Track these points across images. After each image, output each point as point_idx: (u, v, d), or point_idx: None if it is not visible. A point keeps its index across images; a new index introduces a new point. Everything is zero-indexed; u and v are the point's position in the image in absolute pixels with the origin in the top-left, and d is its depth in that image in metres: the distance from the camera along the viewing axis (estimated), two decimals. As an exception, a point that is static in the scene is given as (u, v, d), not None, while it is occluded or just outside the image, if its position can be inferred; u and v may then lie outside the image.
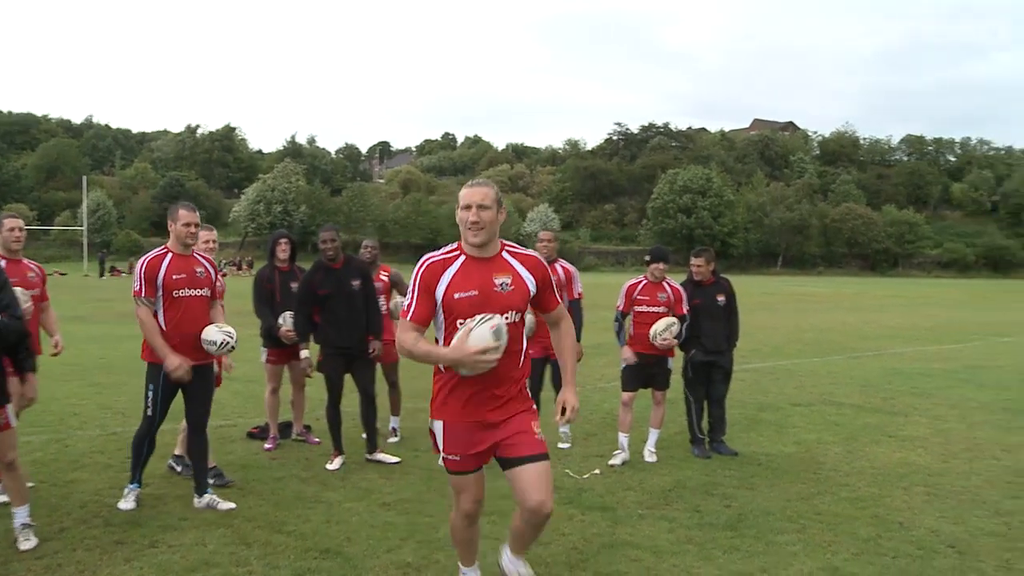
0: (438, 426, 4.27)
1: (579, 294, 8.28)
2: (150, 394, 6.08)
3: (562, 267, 8.16)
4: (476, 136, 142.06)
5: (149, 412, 6.09)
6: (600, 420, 9.54)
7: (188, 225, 6.10)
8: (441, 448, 4.28)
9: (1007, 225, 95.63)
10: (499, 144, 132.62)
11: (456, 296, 4.08)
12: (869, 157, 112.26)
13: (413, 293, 4.15)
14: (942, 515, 6.29)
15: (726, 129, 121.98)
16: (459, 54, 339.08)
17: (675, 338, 7.79)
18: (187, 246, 6.16)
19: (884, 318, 26.92)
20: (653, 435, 8.01)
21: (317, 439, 8.39)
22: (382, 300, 8.22)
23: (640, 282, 8.00)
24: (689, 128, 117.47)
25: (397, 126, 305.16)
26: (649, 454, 7.90)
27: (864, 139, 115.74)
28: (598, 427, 9.19)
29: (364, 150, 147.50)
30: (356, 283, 7.57)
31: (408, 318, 4.14)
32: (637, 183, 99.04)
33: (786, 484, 7.09)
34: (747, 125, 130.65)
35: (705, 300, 8.26)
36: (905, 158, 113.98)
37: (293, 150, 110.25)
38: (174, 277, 6.02)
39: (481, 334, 3.94)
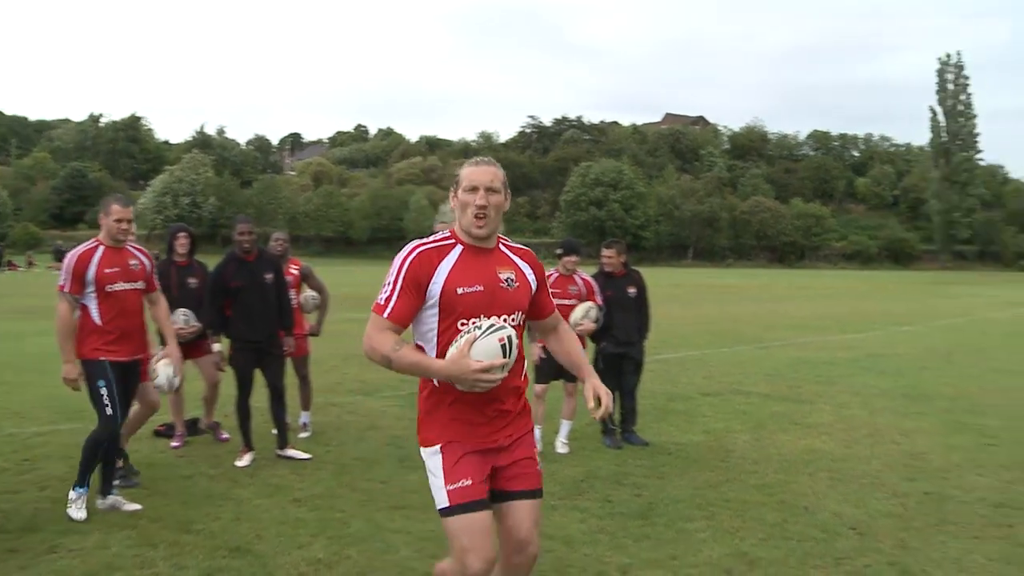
0: (433, 454, 3.48)
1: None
2: (103, 392, 5.78)
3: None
4: (389, 128, 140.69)
5: (109, 411, 5.78)
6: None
7: (120, 221, 5.92)
8: (444, 479, 3.40)
9: (907, 218, 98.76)
10: (412, 136, 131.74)
11: (460, 291, 3.38)
12: (777, 152, 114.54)
13: (394, 286, 3.40)
14: (844, 499, 6.48)
15: (638, 123, 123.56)
16: (371, 45, 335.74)
17: (594, 322, 7.83)
18: (119, 241, 6.00)
19: (791, 308, 27.56)
20: (565, 427, 8.06)
21: (226, 435, 8.24)
22: (292, 294, 8.12)
23: (551, 275, 8.00)
24: (602, 122, 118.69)
25: (309, 117, 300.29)
26: (561, 445, 7.95)
27: (772, 134, 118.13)
28: (511, 419, 9.19)
29: (275, 141, 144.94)
30: (269, 276, 7.46)
31: (385, 315, 3.38)
32: (550, 176, 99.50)
33: (695, 472, 7.21)
34: (659, 119, 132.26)
35: (616, 292, 8.34)
36: (812, 153, 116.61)
37: (201, 141, 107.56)
38: (106, 271, 5.84)
39: (488, 347, 3.24)
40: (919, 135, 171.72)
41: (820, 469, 7.35)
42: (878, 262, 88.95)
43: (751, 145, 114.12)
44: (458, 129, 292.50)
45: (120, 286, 5.91)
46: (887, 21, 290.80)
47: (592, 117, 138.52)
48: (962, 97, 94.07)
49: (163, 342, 6.68)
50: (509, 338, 3.28)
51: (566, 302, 7.89)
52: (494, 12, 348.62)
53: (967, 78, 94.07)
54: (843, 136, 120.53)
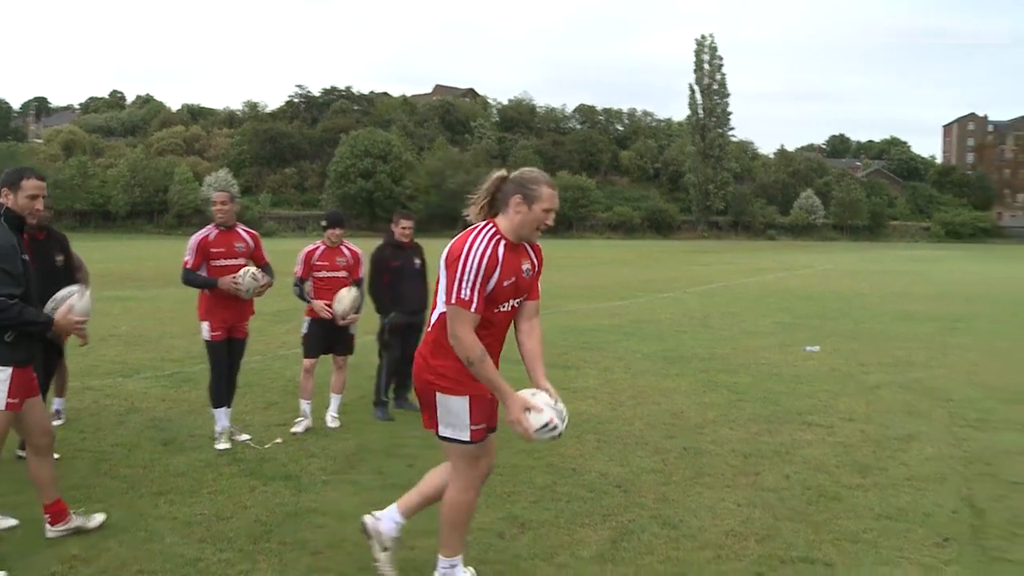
0: (460, 402, 4.02)
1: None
2: None
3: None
4: (148, 95, 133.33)
5: None
6: (281, 388, 9.34)
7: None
8: (470, 421, 4.03)
9: (667, 190, 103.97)
10: (173, 104, 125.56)
11: (504, 284, 3.93)
12: (545, 124, 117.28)
13: (476, 277, 3.83)
14: (610, 458, 6.74)
15: (408, 94, 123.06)
16: (126, 4, 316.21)
17: (355, 312, 7.74)
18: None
19: (560, 277, 28.32)
20: (335, 400, 7.94)
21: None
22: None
23: (317, 248, 7.87)
24: (372, 92, 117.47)
25: (56, 81, 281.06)
26: (331, 420, 7.83)
27: (541, 107, 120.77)
28: (280, 395, 8.99)
29: (17, 106, 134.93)
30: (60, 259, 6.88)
31: (472, 310, 3.85)
32: (319, 147, 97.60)
33: (467, 440, 7.27)
34: (430, 90, 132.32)
35: (405, 262, 8.36)
36: (579, 126, 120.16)
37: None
38: None
39: (549, 419, 3.97)
40: (679, 111, 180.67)
41: (587, 431, 7.60)
42: (641, 232, 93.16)
43: (520, 118, 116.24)
44: (222, 98, 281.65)
45: None
46: (654, 1, 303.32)
47: (362, 87, 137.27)
48: (717, 77, 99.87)
49: None
50: (560, 433, 4.04)
51: (336, 274, 7.78)
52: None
53: (721, 59, 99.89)
54: (608, 111, 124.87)
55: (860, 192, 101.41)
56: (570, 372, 10.51)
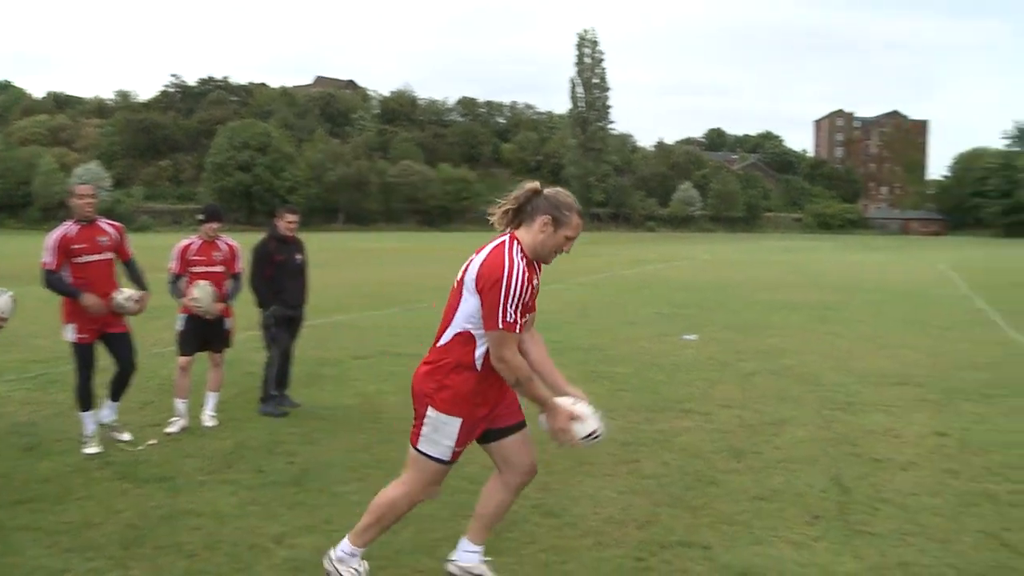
0: (453, 422, 3.98)
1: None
2: None
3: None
4: (6, 81, 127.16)
5: None
6: (157, 387, 9.06)
7: None
8: (455, 443, 4.03)
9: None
10: (37, 92, 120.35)
11: (526, 300, 3.93)
12: (427, 117, 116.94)
13: (518, 302, 3.83)
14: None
15: (288, 85, 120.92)
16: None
17: (199, 305, 7.48)
18: None
19: (441, 270, 28.25)
20: (212, 399, 7.74)
21: None
22: None
23: (193, 242, 7.65)
24: (250, 83, 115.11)
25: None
26: (209, 419, 7.63)
27: (422, 99, 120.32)
28: (155, 394, 8.73)
29: None
30: None
31: (516, 331, 3.85)
32: (195, 138, 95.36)
33: (348, 436, 7.22)
34: (310, 82, 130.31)
35: (288, 257, 8.23)
36: (460, 119, 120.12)
37: None
38: None
39: (593, 428, 4.04)
40: (561, 104, 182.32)
41: (469, 424, 7.59)
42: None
43: (401, 110, 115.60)
44: (92, 86, 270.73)
45: None
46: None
47: (240, 78, 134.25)
48: (597, 70, 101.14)
49: None
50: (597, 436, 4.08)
51: (213, 269, 7.61)
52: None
53: (602, 53, 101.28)
54: (490, 103, 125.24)
55: (736, 185, 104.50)
56: (453, 365, 10.47)
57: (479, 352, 3.94)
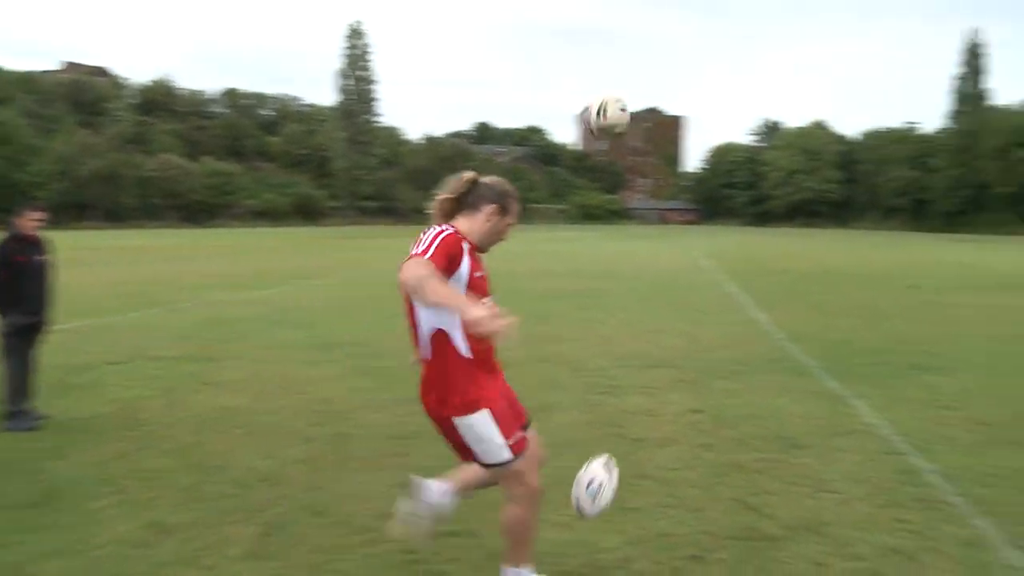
0: (481, 417, 3.86)
1: None
2: None
3: None
4: None
5: None
6: None
7: None
8: (503, 435, 3.88)
9: (316, 176, 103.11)
10: None
11: (476, 275, 3.88)
12: (188, 108, 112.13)
13: (432, 245, 3.64)
14: (257, 452, 6.61)
15: (31, 70, 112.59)
16: None
17: None
18: None
19: (203, 267, 27.33)
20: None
21: None
22: None
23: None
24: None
25: None
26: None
27: (182, 90, 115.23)
28: None
29: None
30: None
31: (427, 257, 3.58)
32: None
33: (102, 446, 6.80)
34: (57, 67, 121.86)
35: (30, 258, 7.63)
36: (224, 111, 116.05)
37: None
38: None
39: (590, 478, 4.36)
40: (328, 97, 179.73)
41: (233, 426, 7.39)
42: (289, 219, 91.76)
43: (160, 100, 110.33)
44: None
45: None
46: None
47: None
48: (364, 62, 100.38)
49: None
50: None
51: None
52: None
53: (369, 46, 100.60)
54: (255, 95, 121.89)
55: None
56: (215, 365, 10.15)
57: (458, 336, 3.88)
